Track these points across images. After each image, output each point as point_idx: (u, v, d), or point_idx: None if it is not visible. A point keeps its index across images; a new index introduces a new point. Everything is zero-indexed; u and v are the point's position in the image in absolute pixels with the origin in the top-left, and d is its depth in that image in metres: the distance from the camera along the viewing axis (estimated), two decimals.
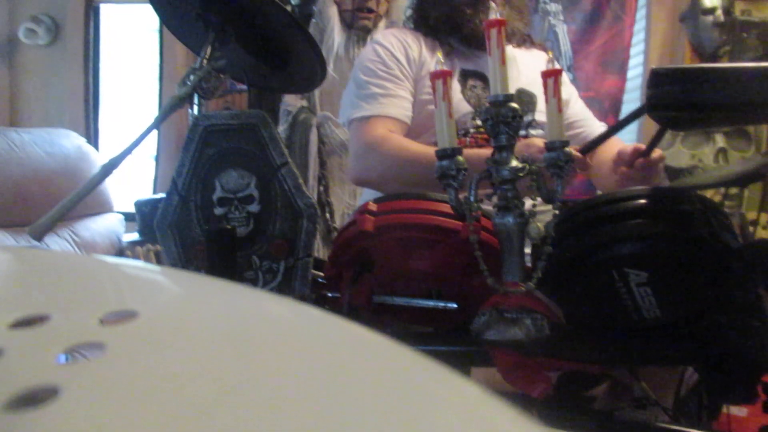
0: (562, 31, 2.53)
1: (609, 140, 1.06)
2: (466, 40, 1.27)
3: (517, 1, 1.31)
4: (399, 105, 1.21)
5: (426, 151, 1.08)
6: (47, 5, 2.83)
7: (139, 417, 0.16)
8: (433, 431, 0.17)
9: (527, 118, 1.23)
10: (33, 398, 0.16)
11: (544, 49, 1.40)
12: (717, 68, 0.78)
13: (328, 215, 2.14)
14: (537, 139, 1.08)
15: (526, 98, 1.24)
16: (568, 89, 1.36)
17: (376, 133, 1.17)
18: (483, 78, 1.26)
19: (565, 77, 1.38)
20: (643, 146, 1.05)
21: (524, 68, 1.27)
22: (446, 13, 1.28)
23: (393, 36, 1.30)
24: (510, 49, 1.26)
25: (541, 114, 1.24)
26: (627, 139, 2.48)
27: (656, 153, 1.04)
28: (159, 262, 2.05)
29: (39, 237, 0.75)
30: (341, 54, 2.13)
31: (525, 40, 1.36)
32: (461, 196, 0.71)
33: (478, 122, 1.20)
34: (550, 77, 0.71)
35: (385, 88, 1.21)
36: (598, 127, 1.36)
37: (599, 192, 1.27)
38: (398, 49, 1.25)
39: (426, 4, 1.33)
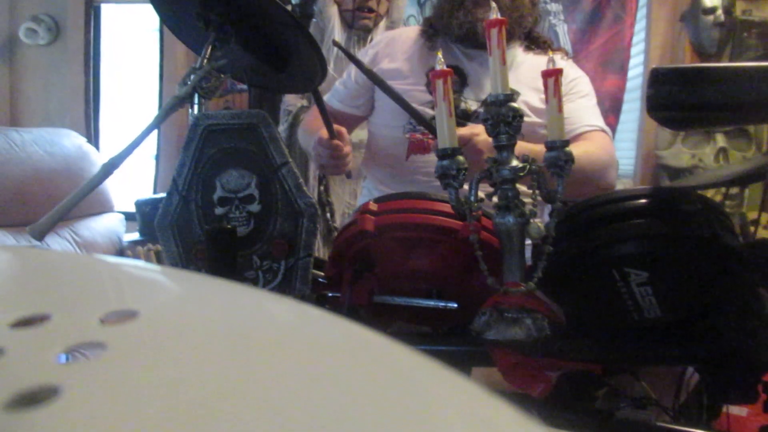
0: (563, 31, 2.52)
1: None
2: (458, 37, 1.29)
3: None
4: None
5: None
6: (48, 5, 2.83)
7: (140, 417, 0.16)
8: (434, 431, 0.17)
9: None
10: (33, 398, 0.16)
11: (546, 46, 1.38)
12: (717, 68, 0.78)
13: (328, 215, 2.14)
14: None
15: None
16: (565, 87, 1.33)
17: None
18: (459, 72, 1.28)
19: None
20: None
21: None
22: (442, 7, 1.32)
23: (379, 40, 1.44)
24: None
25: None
26: (627, 139, 2.49)
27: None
28: (159, 261, 2.05)
29: (39, 237, 0.75)
30: (341, 54, 2.13)
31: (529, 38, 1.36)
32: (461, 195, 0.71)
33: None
34: (550, 77, 0.71)
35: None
36: (587, 122, 1.25)
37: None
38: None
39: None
